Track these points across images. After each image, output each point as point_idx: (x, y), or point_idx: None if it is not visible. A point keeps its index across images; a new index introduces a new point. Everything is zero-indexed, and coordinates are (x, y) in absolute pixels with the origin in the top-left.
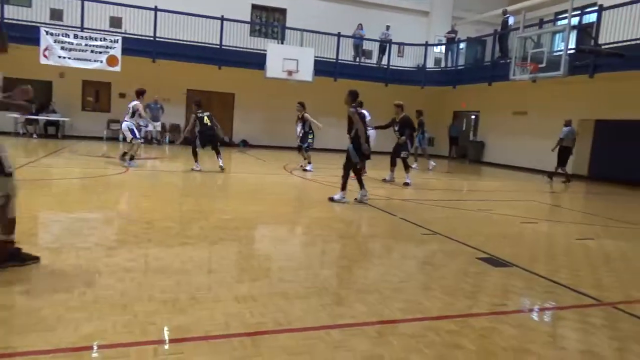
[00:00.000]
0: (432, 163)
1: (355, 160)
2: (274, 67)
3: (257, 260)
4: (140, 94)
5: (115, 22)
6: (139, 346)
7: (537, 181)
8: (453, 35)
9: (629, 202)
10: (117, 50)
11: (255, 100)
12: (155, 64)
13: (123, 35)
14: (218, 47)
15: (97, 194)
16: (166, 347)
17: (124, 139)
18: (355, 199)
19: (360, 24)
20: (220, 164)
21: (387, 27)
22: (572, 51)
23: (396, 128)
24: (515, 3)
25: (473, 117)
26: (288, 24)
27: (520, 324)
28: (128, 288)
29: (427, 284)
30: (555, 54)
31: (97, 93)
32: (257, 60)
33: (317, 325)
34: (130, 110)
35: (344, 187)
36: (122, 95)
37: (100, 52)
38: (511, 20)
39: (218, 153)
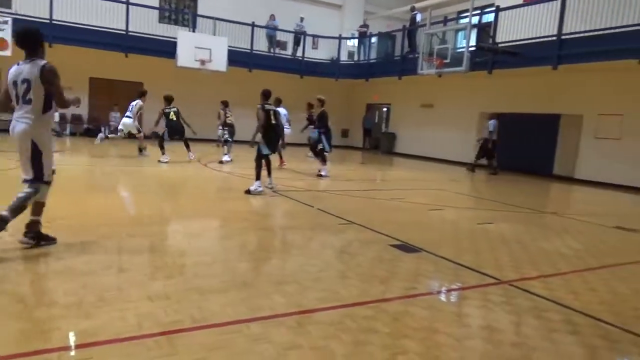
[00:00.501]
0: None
1: (265, 152)
2: (186, 56)
3: (171, 256)
4: (142, 94)
5: (4, 1)
6: (40, 355)
7: (444, 170)
8: (365, 29)
9: (524, 189)
10: (6, 33)
11: (165, 89)
12: (52, 49)
13: (14, 16)
14: (124, 32)
15: None
16: (72, 353)
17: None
18: (266, 186)
19: (273, 15)
20: (191, 157)
21: (301, 19)
22: (473, 48)
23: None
24: (422, 0)
25: (385, 109)
26: (200, 12)
27: (430, 305)
28: (26, 293)
29: (344, 273)
30: (458, 50)
31: None
32: (167, 48)
33: (236, 319)
34: (135, 109)
35: (258, 177)
36: None
37: None
38: (419, 17)
39: (187, 147)
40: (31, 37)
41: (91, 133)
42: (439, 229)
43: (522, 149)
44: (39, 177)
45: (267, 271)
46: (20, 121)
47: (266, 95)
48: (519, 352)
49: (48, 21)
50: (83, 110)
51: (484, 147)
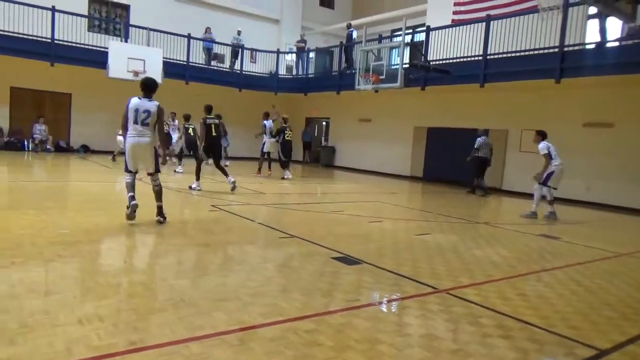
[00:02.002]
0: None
1: (205, 160)
2: (118, 67)
3: (104, 276)
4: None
5: None
6: None
7: (382, 183)
8: (303, 44)
9: (456, 200)
10: None
11: (96, 101)
12: None
13: None
14: (50, 41)
15: None
16: None
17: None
18: (190, 186)
19: (209, 28)
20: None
21: (239, 32)
22: (407, 65)
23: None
24: (358, 18)
25: (324, 123)
26: (132, 22)
27: (371, 316)
28: None
29: (286, 287)
30: (393, 67)
31: None
32: (97, 58)
33: (175, 339)
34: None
35: (197, 178)
36: None
37: None
38: (354, 34)
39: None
40: (154, 86)
41: (12, 146)
42: (378, 241)
43: (453, 162)
44: (158, 169)
45: (207, 288)
46: (145, 136)
47: (208, 109)
48: (457, 358)
49: None
50: (3, 122)
51: (474, 165)
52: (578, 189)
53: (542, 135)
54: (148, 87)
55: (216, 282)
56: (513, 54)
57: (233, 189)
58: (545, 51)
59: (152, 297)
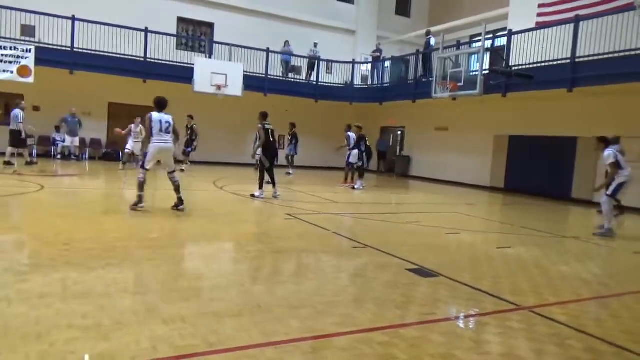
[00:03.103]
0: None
1: (267, 165)
2: (202, 81)
3: (187, 279)
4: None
5: (28, 30)
6: None
7: (460, 194)
8: (378, 54)
9: (539, 212)
10: (29, 61)
11: (183, 114)
12: (73, 76)
13: (37, 44)
14: (142, 59)
15: (8, 214)
16: None
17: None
18: (274, 196)
19: (288, 41)
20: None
21: (315, 45)
22: (486, 72)
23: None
24: (434, 25)
25: (399, 132)
26: (216, 39)
27: (447, 331)
28: (43, 315)
29: (359, 297)
30: (472, 74)
31: (6, 106)
32: (184, 74)
33: (251, 344)
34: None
35: (260, 187)
36: (35, 109)
37: (10, 62)
38: (432, 42)
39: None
40: (165, 103)
41: (108, 157)
42: (456, 253)
43: (538, 172)
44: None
45: (282, 295)
46: (169, 142)
47: (265, 116)
48: None
49: (69, 49)
50: (102, 134)
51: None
52: None
53: (605, 142)
54: (163, 105)
55: (291, 290)
56: (606, 56)
57: (274, 196)
58: None
59: (230, 301)
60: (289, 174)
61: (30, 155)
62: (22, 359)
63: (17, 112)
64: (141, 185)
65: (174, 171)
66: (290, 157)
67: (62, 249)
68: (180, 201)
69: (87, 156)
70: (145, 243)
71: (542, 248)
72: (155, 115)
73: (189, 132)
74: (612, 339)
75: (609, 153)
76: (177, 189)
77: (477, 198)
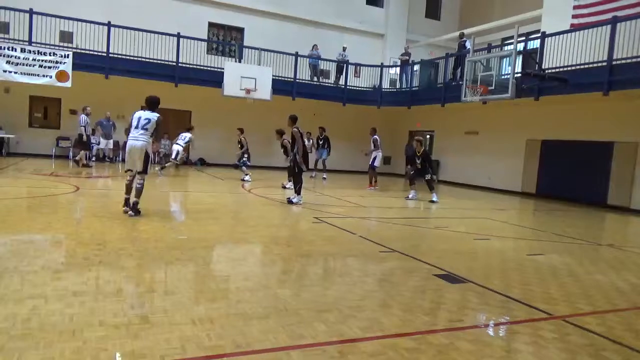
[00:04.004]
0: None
1: (305, 169)
2: (232, 85)
3: (215, 281)
4: (190, 129)
5: (66, 36)
6: None
7: (490, 199)
8: (407, 57)
9: (572, 218)
10: (67, 66)
11: (212, 118)
12: (108, 80)
13: (74, 50)
14: (174, 64)
15: (45, 214)
16: None
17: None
18: (289, 200)
19: (316, 45)
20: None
21: (344, 48)
22: (518, 75)
23: (418, 160)
24: (465, 28)
25: (428, 136)
26: (245, 43)
27: (476, 339)
28: (77, 313)
29: (386, 302)
30: (503, 77)
31: (45, 109)
32: (214, 78)
33: (277, 346)
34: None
35: (299, 192)
36: (72, 112)
37: (49, 67)
38: (468, 44)
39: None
40: (155, 102)
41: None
42: (485, 260)
43: (572, 177)
44: (146, 171)
45: (309, 298)
46: (138, 139)
47: (295, 119)
48: None
49: (105, 54)
50: None
51: None
52: None
53: None
54: (153, 103)
55: (317, 293)
56: None
57: (290, 202)
58: None
59: (257, 303)
60: (324, 178)
61: (88, 158)
62: (58, 354)
63: (82, 117)
64: (127, 189)
65: (140, 173)
66: (322, 161)
67: (96, 249)
68: (134, 206)
69: (120, 158)
70: (174, 244)
71: (575, 255)
72: (137, 112)
73: (240, 145)
74: None
75: None
76: (137, 193)
77: (508, 203)
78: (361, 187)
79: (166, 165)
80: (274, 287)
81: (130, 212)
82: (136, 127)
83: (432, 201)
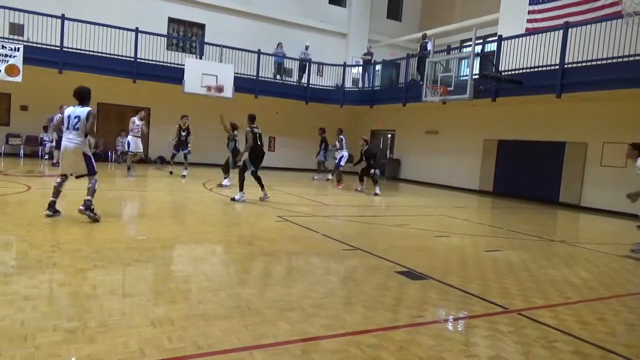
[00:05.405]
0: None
1: (251, 169)
2: (193, 82)
3: (175, 281)
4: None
5: (17, 29)
6: None
7: (449, 197)
8: (369, 57)
9: (527, 215)
10: (17, 60)
11: (172, 115)
12: (62, 75)
13: (25, 43)
14: (132, 60)
15: None
16: None
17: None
18: (260, 198)
19: (280, 43)
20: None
21: (307, 47)
22: (476, 76)
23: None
24: (426, 30)
25: (389, 135)
26: (207, 40)
27: (436, 334)
28: (29, 318)
29: (349, 299)
30: (462, 78)
31: None
32: (174, 75)
33: (240, 346)
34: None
35: (241, 189)
36: (23, 108)
37: None
38: (429, 46)
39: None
40: (85, 94)
41: (97, 158)
42: (445, 256)
43: (526, 176)
44: (92, 172)
45: (272, 297)
46: (72, 141)
47: (252, 118)
48: None
49: (58, 48)
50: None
51: None
52: None
53: (638, 149)
54: (83, 96)
55: (280, 292)
56: (594, 62)
57: (263, 198)
58: (632, 58)
59: (219, 303)
60: (328, 179)
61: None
62: None
63: (57, 116)
64: (55, 192)
65: (88, 175)
66: (321, 164)
67: (49, 251)
68: (87, 206)
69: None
70: (133, 244)
71: (530, 251)
72: (67, 109)
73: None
74: (600, 342)
75: None
76: (90, 192)
77: (466, 201)
78: (324, 186)
79: (129, 164)
80: (237, 287)
81: (86, 212)
82: (67, 128)
83: (376, 194)
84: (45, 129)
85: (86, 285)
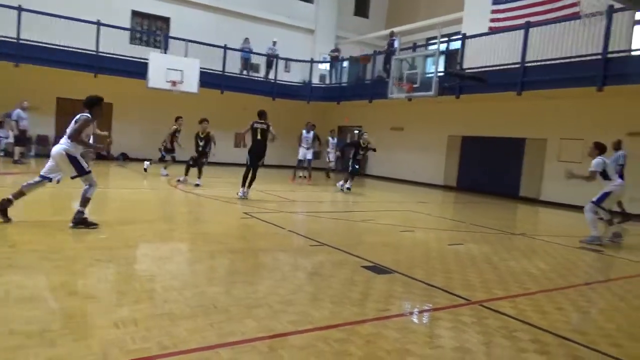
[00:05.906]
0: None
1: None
2: (157, 77)
3: (139, 281)
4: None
5: None
6: None
7: (414, 192)
8: (337, 53)
9: (488, 209)
10: None
11: (135, 111)
12: (18, 69)
13: None
14: (94, 53)
15: None
16: None
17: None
18: (243, 196)
19: (247, 38)
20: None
21: (274, 43)
22: (441, 74)
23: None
24: (392, 27)
25: (356, 131)
26: (171, 34)
27: (402, 327)
28: None
29: (316, 295)
30: (427, 75)
31: None
32: (137, 69)
33: (206, 345)
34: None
35: (243, 185)
36: None
37: None
38: (396, 43)
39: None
40: (88, 102)
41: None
42: (410, 251)
43: (488, 171)
44: (81, 172)
45: (238, 295)
46: (60, 144)
47: (258, 114)
48: None
49: (15, 40)
50: (49, 130)
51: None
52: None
53: (599, 149)
54: (84, 102)
55: (247, 289)
56: (553, 62)
57: (242, 196)
58: (588, 58)
59: (184, 302)
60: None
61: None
62: None
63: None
64: (19, 192)
65: (79, 176)
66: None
67: (6, 252)
68: (78, 217)
69: (33, 153)
70: (94, 244)
71: (491, 244)
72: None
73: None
74: (557, 330)
75: (597, 162)
76: (82, 202)
77: (431, 196)
78: (292, 182)
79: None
80: (203, 285)
81: (77, 227)
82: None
83: (348, 189)
84: (1, 124)
85: (45, 287)
